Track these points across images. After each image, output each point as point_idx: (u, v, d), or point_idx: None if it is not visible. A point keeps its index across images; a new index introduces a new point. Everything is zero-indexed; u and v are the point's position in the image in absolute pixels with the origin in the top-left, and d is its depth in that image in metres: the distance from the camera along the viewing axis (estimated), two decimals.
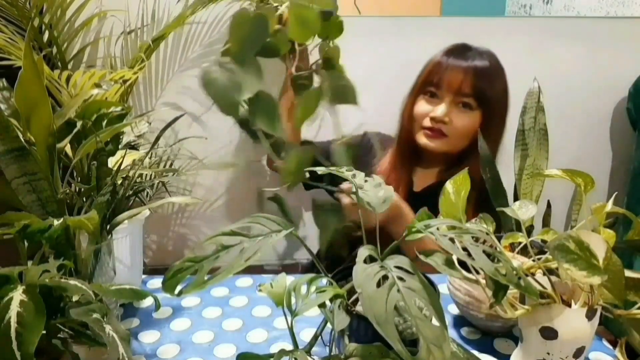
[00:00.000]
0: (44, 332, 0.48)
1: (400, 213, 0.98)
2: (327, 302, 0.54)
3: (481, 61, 1.06)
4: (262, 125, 0.90)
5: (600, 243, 0.54)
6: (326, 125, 1.26)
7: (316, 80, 0.94)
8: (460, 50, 1.08)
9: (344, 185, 1.00)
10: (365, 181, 0.67)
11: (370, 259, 0.51)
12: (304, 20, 0.88)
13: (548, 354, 0.59)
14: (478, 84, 1.05)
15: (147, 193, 1.21)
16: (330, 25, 0.94)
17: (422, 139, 1.10)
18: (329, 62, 0.96)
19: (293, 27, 0.87)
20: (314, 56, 0.95)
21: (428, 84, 1.09)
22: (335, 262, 0.70)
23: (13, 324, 0.45)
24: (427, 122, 1.08)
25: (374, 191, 0.64)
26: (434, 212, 0.64)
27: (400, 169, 1.15)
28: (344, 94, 0.96)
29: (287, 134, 0.97)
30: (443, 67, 1.06)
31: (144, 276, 0.93)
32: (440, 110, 1.06)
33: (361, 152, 1.27)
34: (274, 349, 0.73)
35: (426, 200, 0.72)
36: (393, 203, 0.76)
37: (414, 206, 0.98)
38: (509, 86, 1.10)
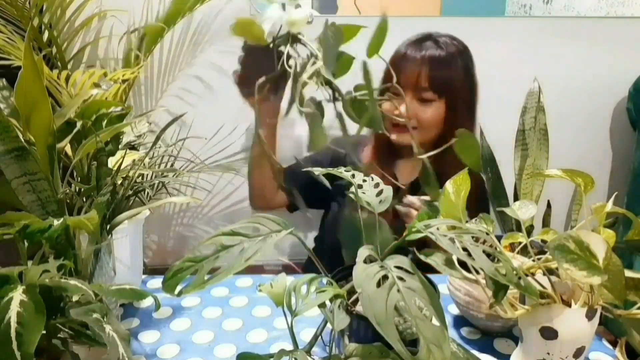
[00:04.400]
0: (44, 332, 0.48)
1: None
2: (327, 302, 0.54)
3: (433, 51, 1.05)
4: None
5: (600, 243, 0.54)
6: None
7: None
8: (419, 41, 1.07)
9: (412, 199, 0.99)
10: (364, 181, 0.67)
11: (370, 259, 0.51)
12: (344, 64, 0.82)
13: (548, 354, 0.59)
14: (434, 76, 1.04)
15: (147, 193, 1.21)
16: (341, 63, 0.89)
17: (393, 136, 1.11)
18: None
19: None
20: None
21: (389, 81, 1.06)
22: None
23: (13, 324, 0.45)
24: (394, 120, 1.07)
25: (373, 191, 0.64)
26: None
27: (381, 165, 1.12)
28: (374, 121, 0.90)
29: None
30: (396, 65, 1.06)
31: (144, 276, 0.93)
32: (402, 108, 1.05)
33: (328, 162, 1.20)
34: (274, 349, 0.73)
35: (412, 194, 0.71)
36: None
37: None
38: (513, 84, 1.08)
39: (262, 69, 0.74)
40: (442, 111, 1.07)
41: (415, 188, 1.03)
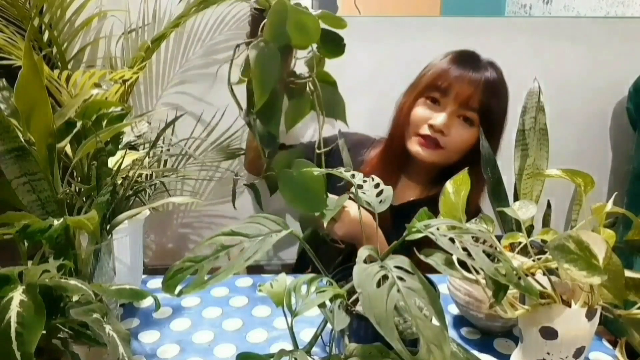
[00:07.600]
0: (44, 332, 0.48)
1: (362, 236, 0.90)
2: (327, 302, 0.54)
3: (491, 74, 1.01)
4: (260, 118, 0.88)
5: (600, 243, 0.54)
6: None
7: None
8: (470, 60, 1.03)
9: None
10: (364, 181, 0.67)
11: (370, 259, 0.51)
12: (302, 27, 0.85)
13: (548, 354, 0.59)
14: (486, 99, 1.00)
15: (147, 193, 1.21)
16: (336, 47, 0.91)
17: (414, 146, 1.03)
18: (324, 76, 0.92)
19: (292, 32, 0.84)
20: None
21: (433, 88, 1.02)
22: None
23: (13, 324, 0.45)
24: (423, 130, 1.01)
25: (373, 191, 0.64)
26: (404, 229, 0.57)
27: (384, 174, 1.06)
28: (335, 108, 0.93)
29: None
30: (452, 75, 1.00)
31: (144, 276, 0.93)
32: (440, 119, 0.99)
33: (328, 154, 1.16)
34: (274, 349, 0.73)
35: (402, 217, 0.69)
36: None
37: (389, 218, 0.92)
38: (513, 84, 1.07)
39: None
40: (474, 138, 1.01)
41: (407, 211, 0.82)
